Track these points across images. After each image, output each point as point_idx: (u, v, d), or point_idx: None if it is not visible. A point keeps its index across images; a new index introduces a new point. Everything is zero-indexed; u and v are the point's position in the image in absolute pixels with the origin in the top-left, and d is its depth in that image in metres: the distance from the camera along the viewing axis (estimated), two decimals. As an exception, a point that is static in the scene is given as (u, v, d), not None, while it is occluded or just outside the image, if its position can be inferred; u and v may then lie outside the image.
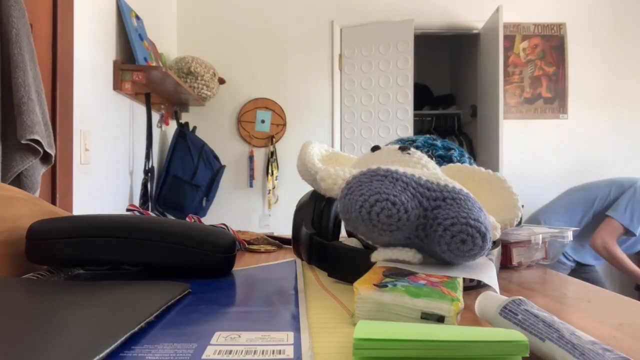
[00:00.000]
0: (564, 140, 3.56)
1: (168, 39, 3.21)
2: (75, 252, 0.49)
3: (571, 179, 3.52)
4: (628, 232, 2.39)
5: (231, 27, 3.44)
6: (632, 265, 2.44)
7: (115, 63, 2.17)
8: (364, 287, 0.35)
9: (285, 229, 3.33)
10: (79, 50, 1.83)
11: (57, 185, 1.67)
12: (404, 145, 0.61)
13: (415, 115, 3.73)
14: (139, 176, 2.50)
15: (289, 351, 0.28)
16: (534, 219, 2.69)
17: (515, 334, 0.26)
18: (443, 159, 0.69)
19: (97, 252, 0.49)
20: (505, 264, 0.63)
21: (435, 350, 0.25)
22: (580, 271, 2.60)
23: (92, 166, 1.96)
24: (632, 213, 2.37)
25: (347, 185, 0.43)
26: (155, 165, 2.67)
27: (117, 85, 2.17)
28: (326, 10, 3.47)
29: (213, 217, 3.37)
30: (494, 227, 0.48)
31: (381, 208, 0.39)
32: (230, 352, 0.27)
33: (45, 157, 1.34)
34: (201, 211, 2.88)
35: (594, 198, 2.52)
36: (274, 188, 3.41)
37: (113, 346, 0.26)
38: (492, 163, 3.24)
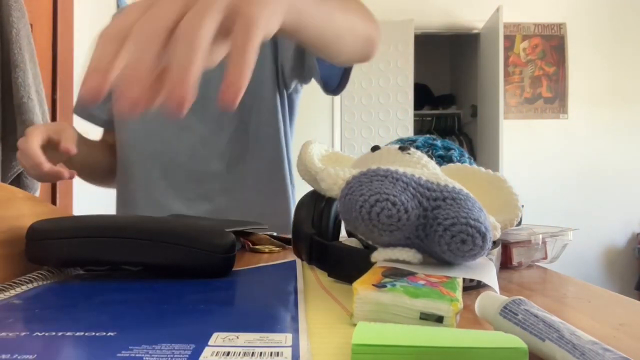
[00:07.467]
0: (564, 139, 3.56)
1: (168, 39, 3.20)
2: (75, 252, 0.49)
3: (571, 178, 3.52)
4: None
5: (231, 27, 3.44)
6: None
7: (115, 63, 2.17)
8: (363, 288, 0.35)
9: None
10: (79, 51, 1.83)
11: (57, 185, 1.67)
12: (404, 145, 0.61)
13: (415, 115, 3.73)
14: (139, 176, 2.49)
15: (287, 353, 0.28)
16: None
17: (514, 340, 0.25)
18: (443, 159, 0.69)
19: (97, 252, 0.49)
20: (505, 264, 0.63)
21: (433, 356, 0.25)
22: None
23: (92, 166, 1.95)
24: None
25: (347, 185, 0.42)
26: (156, 165, 2.67)
27: (117, 85, 2.16)
28: (326, 10, 3.46)
29: (213, 217, 3.36)
30: (494, 227, 0.47)
31: (381, 208, 0.39)
32: (228, 353, 0.27)
33: (45, 157, 1.34)
34: (201, 211, 2.87)
35: None
36: (274, 188, 3.40)
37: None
38: (492, 163, 3.24)
